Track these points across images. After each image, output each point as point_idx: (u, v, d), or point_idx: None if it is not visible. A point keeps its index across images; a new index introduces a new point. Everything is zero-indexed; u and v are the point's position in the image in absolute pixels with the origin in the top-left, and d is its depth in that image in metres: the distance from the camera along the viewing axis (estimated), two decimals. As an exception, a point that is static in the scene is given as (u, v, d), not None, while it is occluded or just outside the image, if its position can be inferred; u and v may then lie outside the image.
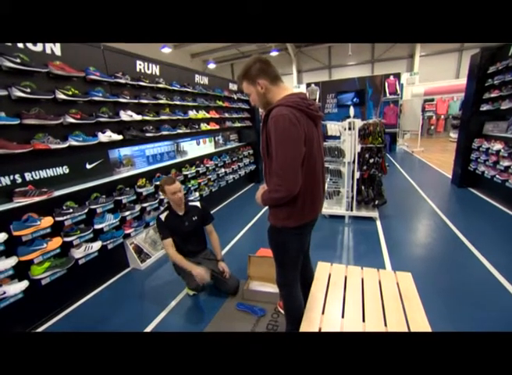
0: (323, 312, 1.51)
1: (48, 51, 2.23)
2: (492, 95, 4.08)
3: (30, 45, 2.10)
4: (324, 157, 1.45)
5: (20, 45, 2.05)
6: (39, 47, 2.17)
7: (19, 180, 2.06)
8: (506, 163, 3.69)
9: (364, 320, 1.43)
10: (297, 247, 1.46)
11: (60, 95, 2.25)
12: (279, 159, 1.19)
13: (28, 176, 2.11)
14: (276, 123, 1.17)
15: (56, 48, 2.28)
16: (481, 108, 4.37)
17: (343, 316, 1.48)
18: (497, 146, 3.89)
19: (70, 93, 2.32)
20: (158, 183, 3.14)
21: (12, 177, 2.01)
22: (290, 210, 1.32)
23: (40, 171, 2.20)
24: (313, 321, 1.46)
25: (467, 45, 12.42)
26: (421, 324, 1.37)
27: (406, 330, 1.35)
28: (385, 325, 1.39)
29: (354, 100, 8.99)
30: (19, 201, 1.98)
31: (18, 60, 1.95)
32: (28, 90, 2.02)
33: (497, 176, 3.89)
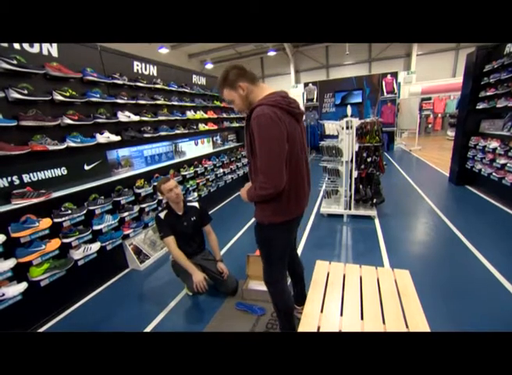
0: (322, 311, 1.52)
1: (45, 52, 2.23)
2: (488, 94, 4.11)
3: (26, 47, 2.10)
4: (307, 153, 1.47)
5: (17, 47, 2.05)
6: (36, 48, 2.16)
7: (17, 182, 2.06)
8: (502, 161, 3.72)
9: (362, 318, 1.44)
10: (284, 243, 1.49)
11: (57, 96, 2.25)
12: (263, 157, 1.21)
13: (26, 177, 2.11)
14: (259, 123, 1.19)
15: (53, 50, 2.28)
16: (477, 107, 4.39)
17: (341, 314, 1.48)
18: (493, 144, 3.92)
19: (67, 94, 2.32)
20: (156, 183, 3.15)
21: (9, 179, 2.01)
22: (276, 206, 1.35)
23: (38, 172, 2.20)
24: (312, 319, 1.47)
25: (464, 44, 12.47)
26: (418, 321, 1.38)
27: (404, 327, 1.36)
28: (384, 322, 1.40)
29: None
30: (17, 203, 1.98)
31: (14, 62, 1.95)
32: (25, 91, 2.02)
33: (494, 173, 3.91)
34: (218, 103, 4.87)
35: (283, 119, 1.22)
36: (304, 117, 1.47)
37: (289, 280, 2.10)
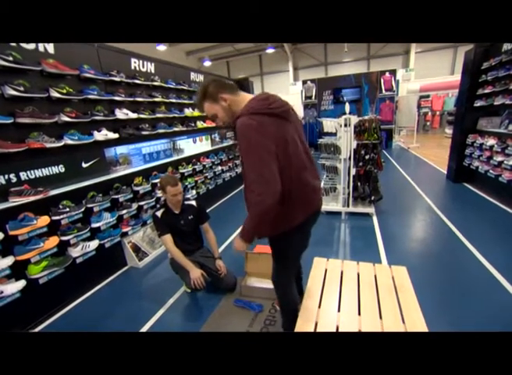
0: (319, 306, 1.53)
1: (41, 49, 2.21)
2: (486, 91, 4.12)
3: (22, 43, 2.08)
4: (308, 149, 1.40)
5: (13, 43, 2.02)
6: (32, 45, 2.14)
7: (15, 180, 2.05)
8: (499, 158, 3.74)
9: (359, 314, 1.46)
10: (299, 249, 1.49)
11: (54, 94, 2.23)
12: (251, 167, 1.16)
13: (23, 175, 2.10)
14: (241, 135, 1.16)
15: (49, 46, 2.26)
16: (475, 104, 4.40)
17: (339, 310, 1.50)
18: (491, 141, 3.94)
19: (64, 91, 2.30)
20: (154, 181, 3.15)
21: (7, 177, 2.00)
22: (284, 213, 1.28)
23: (36, 170, 2.19)
24: (309, 315, 1.48)
25: (462, 41, 12.45)
26: (415, 317, 1.40)
27: (400, 322, 1.38)
28: (380, 318, 1.42)
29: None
30: (15, 201, 1.97)
31: (10, 58, 1.93)
32: (21, 88, 2.00)
33: (491, 171, 3.93)
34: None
35: (266, 123, 1.16)
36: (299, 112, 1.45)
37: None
